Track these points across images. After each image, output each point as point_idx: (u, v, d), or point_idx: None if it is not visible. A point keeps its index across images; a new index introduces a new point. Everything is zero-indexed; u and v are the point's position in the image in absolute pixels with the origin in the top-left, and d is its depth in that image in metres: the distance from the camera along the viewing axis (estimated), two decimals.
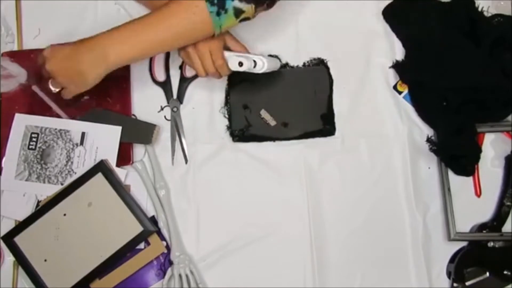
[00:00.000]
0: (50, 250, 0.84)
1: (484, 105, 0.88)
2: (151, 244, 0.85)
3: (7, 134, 0.89)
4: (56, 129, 0.89)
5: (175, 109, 0.91)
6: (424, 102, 0.90)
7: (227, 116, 0.90)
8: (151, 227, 0.84)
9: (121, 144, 0.88)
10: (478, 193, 0.89)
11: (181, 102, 0.91)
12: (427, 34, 0.91)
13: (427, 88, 0.90)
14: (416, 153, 0.90)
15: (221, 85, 0.92)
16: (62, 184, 0.87)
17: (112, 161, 0.88)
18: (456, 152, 0.86)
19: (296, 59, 0.92)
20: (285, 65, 0.91)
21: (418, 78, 0.90)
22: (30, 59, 0.92)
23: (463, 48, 0.88)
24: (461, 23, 0.90)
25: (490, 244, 0.85)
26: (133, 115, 0.91)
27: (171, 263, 0.85)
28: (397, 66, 0.92)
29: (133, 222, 0.84)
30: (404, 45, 0.93)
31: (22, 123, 0.89)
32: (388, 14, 0.94)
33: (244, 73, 0.83)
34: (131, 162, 0.89)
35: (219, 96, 0.92)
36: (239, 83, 0.90)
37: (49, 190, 0.87)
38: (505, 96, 0.87)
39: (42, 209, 0.86)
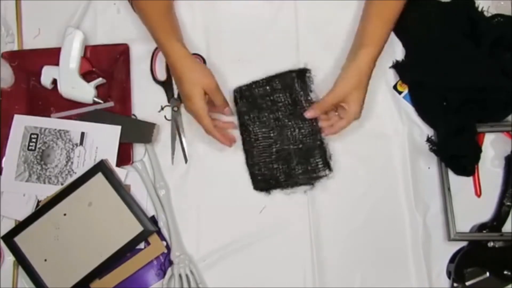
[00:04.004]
0: (50, 250, 0.84)
1: (484, 105, 0.88)
2: (151, 244, 0.85)
3: (7, 134, 0.89)
4: (55, 129, 0.89)
5: (175, 109, 0.91)
6: (424, 102, 0.90)
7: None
8: (151, 227, 0.84)
9: (121, 144, 0.88)
10: (478, 193, 0.89)
11: (181, 102, 0.91)
12: (427, 34, 0.91)
13: (427, 88, 0.90)
14: (416, 153, 0.90)
15: (220, 85, 0.92)
16: (62, 184, 0.87)
17: (112, 161, 0.88)
18: (456, 152, 0.86)
19: (297, 59, 0.92)
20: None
21: (418, 78, 0.90)
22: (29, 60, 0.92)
23: (463, 48, 0.88)
24: (461, 23, 0.90)
25: (490, 244, 0.85)
26: (133, 115, 0.91)
27: (171, 263, 0.85)
28: (397, 66, 0.92)
29: (133, 222, 0.84)
30: (404, 45, 0.93)
31: (21, 124, 0.89)
32: None
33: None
34: (131, 162, 0.89)
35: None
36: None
37: (49, 191, 0.87)
38: (505, 96, 0.87)
39: (42, 209, 0.86)
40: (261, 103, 0.88)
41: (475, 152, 0.87)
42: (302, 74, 0.89)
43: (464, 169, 0.87)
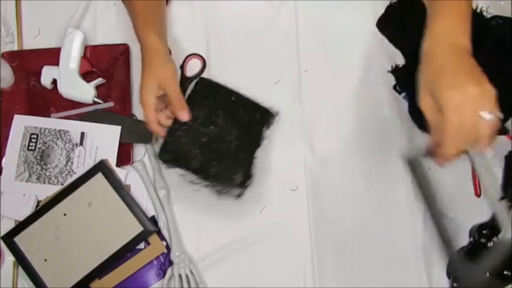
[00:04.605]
0: (50, 250, 0.84)
1: None
2: (151, 244, 0.85)
3: (7, 134, 0.89)
4: (55, 129, 0.89)
5: None
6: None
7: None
8: (151, 227, 0.84)
9: (121, 144, 0.88)
10: (478, 193, 0.89)
11: None
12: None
13: None
14: (416, 153, 0.90)
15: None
16: (62, 184, 0.87)
17: (112, 161, 0.88)
18: None
19: (297, 59, 0.92)
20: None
21: (416, 88, 0.90)
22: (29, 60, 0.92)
23: None
24: None
25: (490, 244, 0.85)
26: (133, 115, 0.91)
27: (171, 263, 0.85)
28: (395, 71, 0.91)
29: (133, 222, 0.84)
30: (403, 54, 0.92)
31: (21, 124, 0.89)
32: (383, 26, 0.93)
33: None
34: (131, 162, 0.89)
35: None
36: None
37: (49, 191, 0.87)
38: (506, 100, 0.86)
39: (42, 209, 0.86)
40: (220, 101, 0.84)
41: None
42: (267, 115, 0.86)
43: None
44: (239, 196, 0.83)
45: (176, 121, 0.82)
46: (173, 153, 0.82)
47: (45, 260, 0.84)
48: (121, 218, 0.84)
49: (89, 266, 0.83)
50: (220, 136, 0.82)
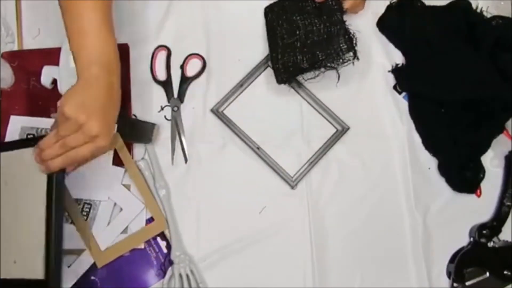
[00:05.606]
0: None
1: (485, 114, 0.88)
2: (155, 220, 0.85)
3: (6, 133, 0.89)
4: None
5: (175, 109, 0.91)
6: (421, 114, 0.91)
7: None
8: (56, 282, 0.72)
9: None
10: (478, 193, 0.89)
11: (181, 102, 0.91)
12: (424, 44, 0.90)
13: (425, 98, 0.90)
14: (416, 153, 0.90)
15: (220, 85, 0.92)
16: None
17: (109, 160, 0.87)
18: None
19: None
20: None
21: (416, 89, 0.90)
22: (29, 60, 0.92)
23: (462, 58, 0.88)
24: (459, 27, 0.90)
25: (490, 244, 0.85)
26: (133, 115, 0.91)
27: (171, 262, 0.85)
28: (395, 71, 0.92)
29: (39, 237, 0.71)
30: (403, 54, 0.93)
31: (17, 125, 0.89)
32: (383, 26, 0.94)
33: None
34: None
35: (219, 95, 0.92)
36: None
37: None
38: (506, 101, 0.86)
39: None
40: (291, 9, 0.90)
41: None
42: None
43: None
44: (355, 56, 0.85)
45: (272, 52, 0.90)
46: (284, 73, 0.88)
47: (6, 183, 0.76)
48: (32, 221, 0.73)
49: None
50: (307, 32, 0.88)
